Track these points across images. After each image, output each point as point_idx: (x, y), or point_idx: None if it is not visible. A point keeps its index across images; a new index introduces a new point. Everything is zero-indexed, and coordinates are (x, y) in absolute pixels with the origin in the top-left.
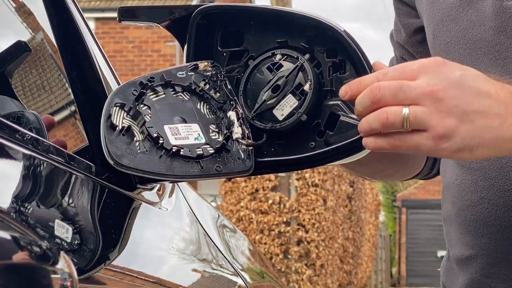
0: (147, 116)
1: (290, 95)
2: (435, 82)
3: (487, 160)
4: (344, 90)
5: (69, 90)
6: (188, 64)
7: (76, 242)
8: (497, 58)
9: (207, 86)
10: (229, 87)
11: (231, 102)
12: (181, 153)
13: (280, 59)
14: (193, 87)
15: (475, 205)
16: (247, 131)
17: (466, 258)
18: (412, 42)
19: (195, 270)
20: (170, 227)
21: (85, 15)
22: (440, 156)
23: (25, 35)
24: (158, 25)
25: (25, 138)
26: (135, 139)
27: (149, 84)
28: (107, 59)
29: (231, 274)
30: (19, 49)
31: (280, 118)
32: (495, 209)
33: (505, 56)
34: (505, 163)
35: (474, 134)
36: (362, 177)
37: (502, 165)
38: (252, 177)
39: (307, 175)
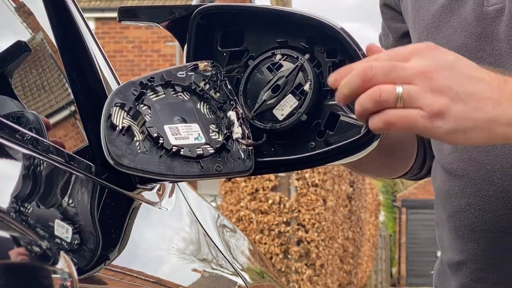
0: (147, 116)
1: (290, 95)
2: (427, 63)
3: (472, 167)
4: (334, 78)
5: (69, 90)
6: (188, 64)
7: (76, 242)
8: (480, 64)
9: (207, 86)
10: (229, 87)
11: (231, 102)
12: (181, 153)
13: (280, 59)
14: (193, 87)
15: (463, 211)
16: (247, 131)
17: (456, 263)
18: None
19: (195, 270)
20: (170, 227)
21: (85, 15)
22: (435, 137)
23: (25, 35)
24: (158, 25)
25: (25, 138)
26: (135, 139)
27: (149, 84)
28: (107, 59)
29: (231, 274)
30: (19, 49)
31: (280, 118)
32: (482, 215)
33: (489, 62)
34: (490, 169)
35: (466, 115)
36: (349, 168)
37: (487, 171)
38: (252, 177)
39: (307, 175)
